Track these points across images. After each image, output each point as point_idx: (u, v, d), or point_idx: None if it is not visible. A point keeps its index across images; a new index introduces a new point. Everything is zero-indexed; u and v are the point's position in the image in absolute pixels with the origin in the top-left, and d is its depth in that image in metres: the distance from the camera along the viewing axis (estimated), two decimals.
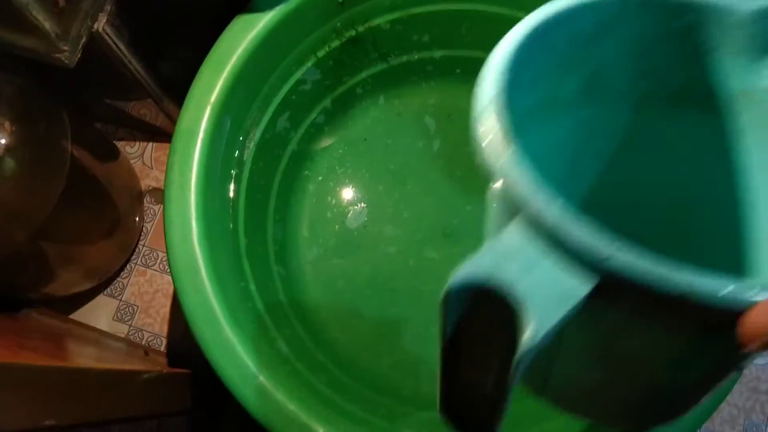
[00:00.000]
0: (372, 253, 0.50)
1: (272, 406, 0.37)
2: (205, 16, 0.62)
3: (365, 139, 0.53)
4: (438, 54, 0.51)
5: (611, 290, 0.14)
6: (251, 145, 0.44)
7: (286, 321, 0.43)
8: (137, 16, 0.47)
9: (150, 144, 0.64)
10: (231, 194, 0.43)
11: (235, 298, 0.39)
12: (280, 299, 0.44)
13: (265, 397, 0.37)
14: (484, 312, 0.15)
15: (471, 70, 0.52)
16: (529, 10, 0.47)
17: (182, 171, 0.40)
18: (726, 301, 0.13)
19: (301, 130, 0.50)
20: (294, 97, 0.48)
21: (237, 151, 0.44)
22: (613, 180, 0.23)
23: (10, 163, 0.42)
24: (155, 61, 0.53)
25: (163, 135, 0.64)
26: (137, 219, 0.61)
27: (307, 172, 0.51)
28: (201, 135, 0.41)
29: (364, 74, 0.52)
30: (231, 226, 0.42)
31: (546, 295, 0.15)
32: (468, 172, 0.51)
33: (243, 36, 0.42)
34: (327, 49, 0.48)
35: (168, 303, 0.61)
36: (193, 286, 0.38)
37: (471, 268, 0.15)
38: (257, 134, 0.45)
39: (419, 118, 0.53)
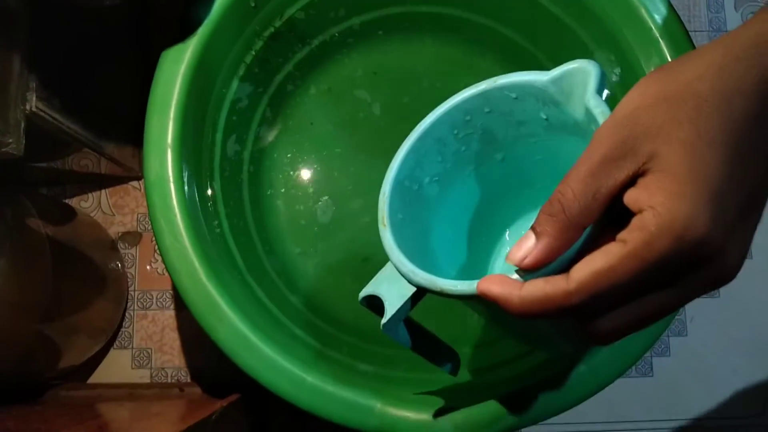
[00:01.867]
0: (353, 231, 0.51)
1: (328, 397, 0.39)
2: (113, 51, 0.61)
3: (308, 132, 0.53)
4: (357, 22, 0.52)
5: (423, 291, 0.29)
6: (216, 185, 0.45)
7: (314, 327, 0.46)
8: (58, 79, 0.46)
9: (102, 192, 0.64)
10: (218, 232, 0.44)
11: (261, 320, 0.41)
12: (304, 313, 0.47)
13: (319, 394, 0.39)
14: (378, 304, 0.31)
15: (392, 27, 0.53)
16: None
17: (168, 219, 0.41)
18: (456, 292, 0.27)
19: (249, 148, 0.50)
20: (235, 117, 0.48)
21: (209, 190, 0.45)
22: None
23: None
24: (82, 112, 0.52)
25: (112, 179, 0.63)
26: (119, 268, 0.61)
27: (269, 191, 0.51)
28: (171, 180, 0.41)
29: (290, 67, 0.52)
30: (237, 273, 0.43)
31: (394, 296, 0.30)
32: (411, 123, 0.53)
33: (176, 69, 0.43)
34: (253, 53, 0.48)
35: (177, 335, 0.62)
36: (218, 321, 0.40)
37: (368, 287, 0.31)
38: (216, 166, 0.46)
39: (351, 93, 0.53)
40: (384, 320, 0.30)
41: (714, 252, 0.21)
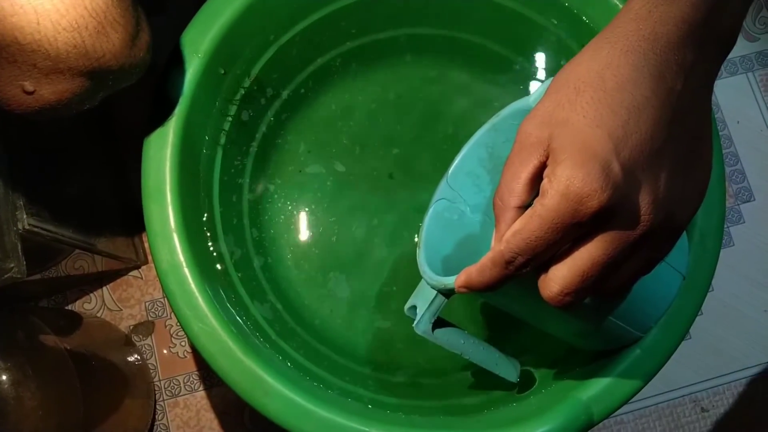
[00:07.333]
0: (363, 277, 0.50)
1: None
2: (82, 144, 0.59)
3: (272, 229, 0.50)
4: (285, 93, 0.51)
5: (441, 291, 0.34)
6: (227, 261, 0.44)
7: (361, 376, 0.45)
8: (41, 189, 0.45)
9: (104, 289, 0.62)
10: (241, 304, 0.43)
11: (306, 383, 0.41)
12: (344, 364, 0.46)
13: None
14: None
15: (309, 85, 0.51)
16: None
17: (190, 305, 0.40)
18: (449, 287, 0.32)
19: (250, 244, 0.48)
20: (230, 212, 0.47)
21: (219, 265, 0.44)
22: None
23: (23, 390, 0.40)
24: (70, 215, 0.51)
25: (111, 274, 0.62)
26: (139, 361, 0.59)
27: (284, 276, 0.49)
28: (185, 265, 0.40)
29: (254, 148, 0.50)
30: (269, 341, 0.42)
31: (423, 301, 0.35)
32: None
33: (162, 154, 0.42)
34: (230, 119, 0.48)
35: (214, 415, 0.60)
36: (265, 395, 0.38)
37: (409, 301, 0.36)
38: (224, 250, 0.45)
39: (289, 184, 0.51)
40: (415, 322, 0.35)
41: (608, 203, 0.24)
